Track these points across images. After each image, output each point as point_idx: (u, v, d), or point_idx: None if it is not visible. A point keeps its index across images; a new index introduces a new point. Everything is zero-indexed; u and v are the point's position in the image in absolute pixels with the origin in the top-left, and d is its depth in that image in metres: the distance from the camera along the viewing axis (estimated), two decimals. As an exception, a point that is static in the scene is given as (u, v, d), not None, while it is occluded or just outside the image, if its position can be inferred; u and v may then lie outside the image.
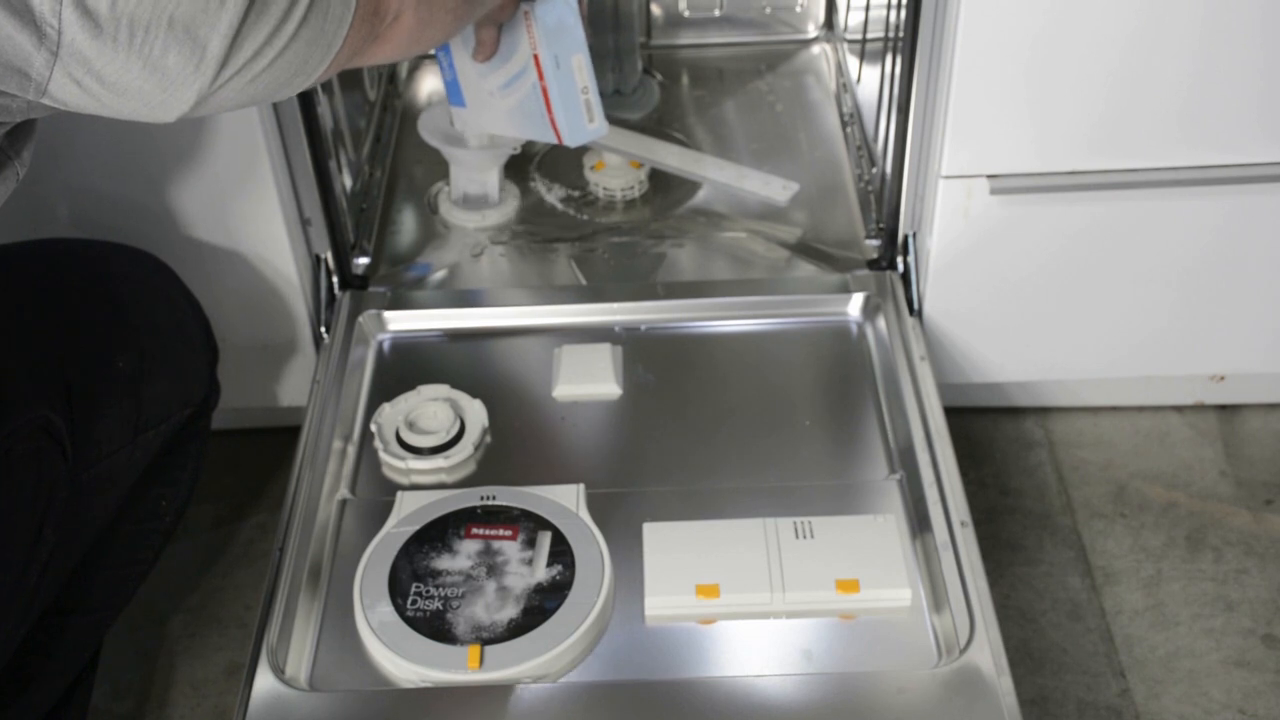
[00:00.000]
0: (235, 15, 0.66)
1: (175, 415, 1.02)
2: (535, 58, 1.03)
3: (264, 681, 0.89)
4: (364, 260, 1.28)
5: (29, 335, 0.92)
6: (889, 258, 1.23)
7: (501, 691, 0.88)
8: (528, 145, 1.34)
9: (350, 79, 1.34)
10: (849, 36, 1.49)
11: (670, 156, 1.35)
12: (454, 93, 1.15)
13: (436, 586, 0.94)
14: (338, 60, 0.74)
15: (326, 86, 1.21)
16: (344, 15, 0.72)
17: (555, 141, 1.09)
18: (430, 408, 1.09)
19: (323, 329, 1.21)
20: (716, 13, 1.58)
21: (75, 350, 0.95)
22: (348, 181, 1.27)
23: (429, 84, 1.53)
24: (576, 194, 1.37)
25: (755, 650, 0.92)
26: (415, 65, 1.56)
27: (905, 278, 1.21)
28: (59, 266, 1.01)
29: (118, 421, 0.95)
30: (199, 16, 0.65)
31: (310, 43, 0.71)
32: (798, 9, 1.58)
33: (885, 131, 1.23)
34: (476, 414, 1.09)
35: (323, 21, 0.71)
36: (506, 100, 1.09)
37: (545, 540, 0.97)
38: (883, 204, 1.22)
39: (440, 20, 0.83)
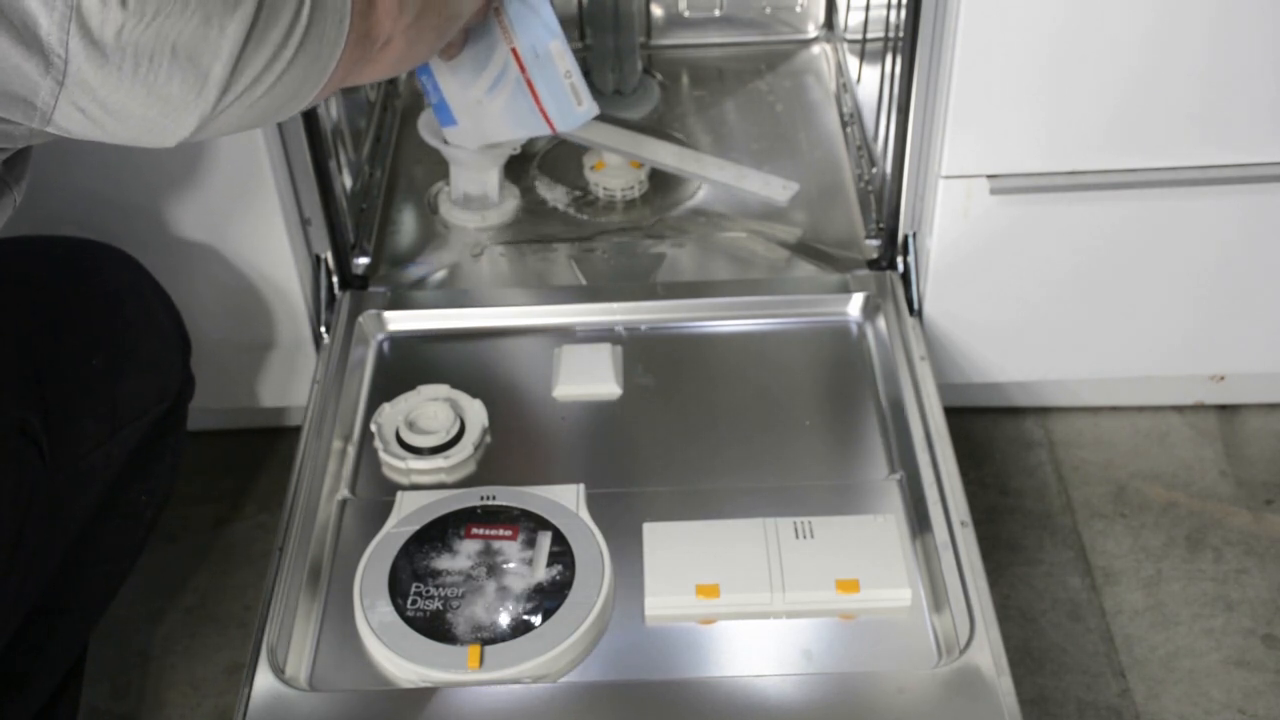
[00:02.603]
0: (236, 42, 0.67)
1: (151, 410, 1.01)
2: (514, 51, 1.04)
3: (264, 681, 0.89)
4: (364, 260, 1.28)
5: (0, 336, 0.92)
6: (889, 258, 1.23)
7: (501, 691, 0.88)
8: (528, 145, 1.34)
9: (350, 79, 1.34)
10: (849, 36, 1.49)
11: (670, 156, 1.35)
12: (443, 113, 1.16)
13: (436, 586, 0.94)
14: (330, 84, 0.76)
15: (326, 86, 1.21)
16: (337, 39, 0.73)
17: (550, 132, 1.10)
18: (430, 408, 1.09)
19: (323, 329, 1.21)
20: (716, 13, 1.58)
21: (48, 349, 0.94)
22: (348, 181, 1.27)
23: (429, 84, 1.53)
24: (576, 194, 1.37)
25: (755, 650, 0.92)
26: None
27: (905, 278, 1.21)
28: (23, 264, 1.00)
29: (95, 419, 0.95)
30: (201, 44, 0.66)
31: (306, 67, 0.72)
32: (798, 9, 1.58)
33: (885, 131, 1.23)
34: (476, 414, 1.09)
35: (318, 46, 0.72)
36: (495, 103, 1.10)
37: (545, 540, 0.97)
38: (883, 204, 1.22)
39: (426, 39, 0.85)
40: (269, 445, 1.35)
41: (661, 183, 1.37)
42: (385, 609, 0.93)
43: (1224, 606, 1.17)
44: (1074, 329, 1.22)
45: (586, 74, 1.50)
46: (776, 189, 1.31)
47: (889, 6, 1.20)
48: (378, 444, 1.07)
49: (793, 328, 1.19)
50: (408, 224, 1.34)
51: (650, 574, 0.96)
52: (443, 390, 1.11)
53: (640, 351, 1.17)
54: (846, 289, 1.21)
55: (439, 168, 1.36)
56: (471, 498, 1.01)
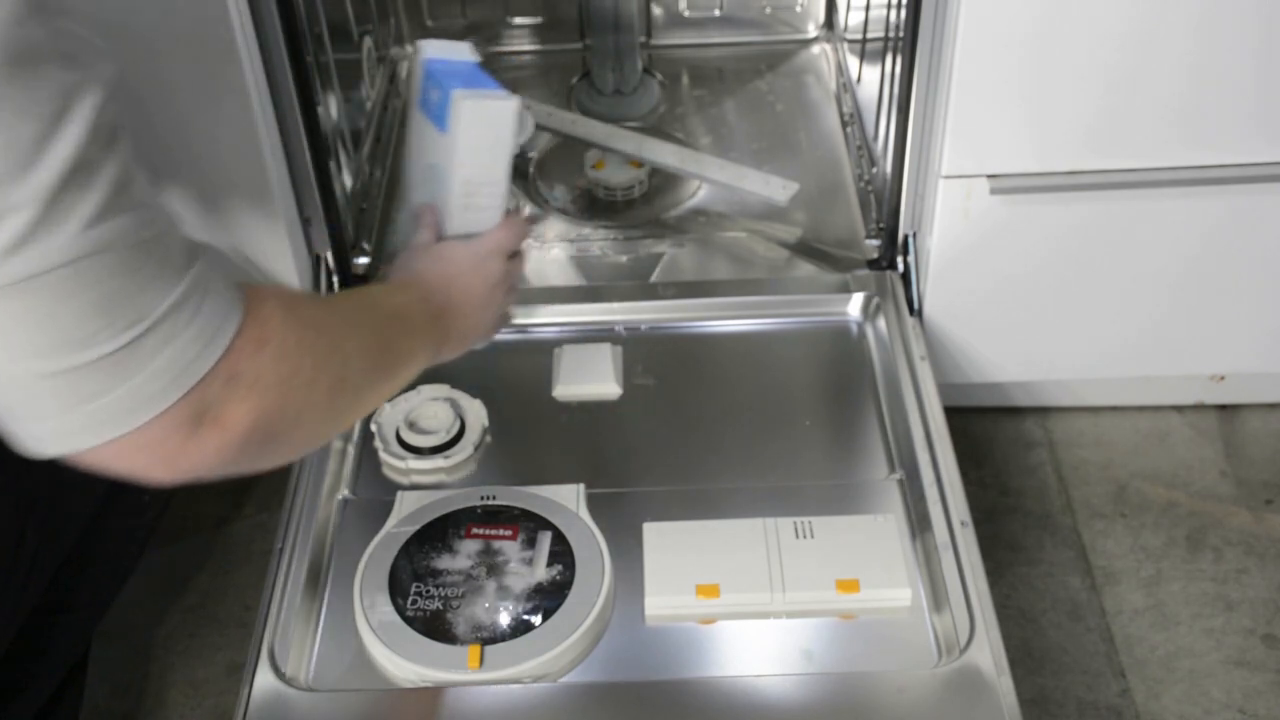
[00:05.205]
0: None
1: None
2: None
3: (264, 681, 0.89)
4: (364, 260, 1.28)
5: None
6: (889, 257, 1.22)
7: (501, 691, 0.88)
8: (528, 145, 1.34)
9: (349, 78, 1.34)
10: (849, 36, 1.49)
11: (670, 156, 1.35)
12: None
13: (436, 586, 0.94)
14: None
15: (326, 85, 1.21)
16: (154, 406, 0.64)
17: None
18: (430, 407, 1.09)
19: (323, 329, 1.21)
20: (716, 13, 1.58)
21: None
22: (348, 181, 1.27)
23: (429, 84, 1.53)
24: (576, 194, 1.37)
25: (755, 650, 0.92)
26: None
27: (905, 277, 1.21)
28: None
29: None
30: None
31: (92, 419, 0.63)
32: (798, 9, 1.58)
33: (885, 131, 1.23)
34: (476, 414, 1.09)
35: (130, 402, 0.63)
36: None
37: (545, 540, 0.97)
38: (883, 204, 1.22)
39: (272, 456, 0.70)
40: (269, 445, 1.34)
41: (661, 183, 1.37)
42: (385, 609, 0.93)
43: (1224, 606, 1.17)
44: (1074, 329, 1.22)
45: (586, 74, 1.51)
46: (776, 189, 1.31)
47: (889, 6, 1.20)
48: (378, 444, 1.07)
49: (793, 328, 1.19)
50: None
51: (650, 574, 0.96)
52: (443, 390, 1.11)
53: (640, 351, 1.17)
54: (846, 289, 1.21)
55: (439, 168, 1.36)
56: (471, 498, 1.01)
